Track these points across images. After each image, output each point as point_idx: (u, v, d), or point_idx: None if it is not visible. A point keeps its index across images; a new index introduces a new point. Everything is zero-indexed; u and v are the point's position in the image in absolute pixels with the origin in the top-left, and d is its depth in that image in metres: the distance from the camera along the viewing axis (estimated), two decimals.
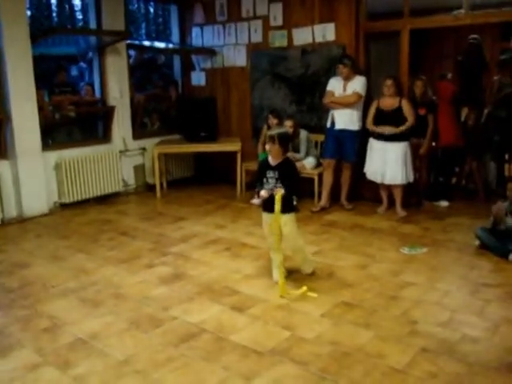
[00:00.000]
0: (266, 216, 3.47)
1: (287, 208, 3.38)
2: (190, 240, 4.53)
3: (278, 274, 3.52)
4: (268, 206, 3.41)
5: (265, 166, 3.43)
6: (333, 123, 5.25)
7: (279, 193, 3.23)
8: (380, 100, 5.06)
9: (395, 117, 4.95)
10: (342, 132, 5.19)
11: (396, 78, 5.00)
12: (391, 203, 5.25)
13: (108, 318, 3.09)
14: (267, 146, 3.37)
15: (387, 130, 4.96)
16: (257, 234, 4.57)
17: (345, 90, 5.16)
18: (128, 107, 6.22)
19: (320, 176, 5.50)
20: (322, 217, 5.16)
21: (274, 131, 3.39)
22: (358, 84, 5.09)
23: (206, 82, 6.80)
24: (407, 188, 5.17)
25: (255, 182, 3.54)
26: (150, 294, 3.42)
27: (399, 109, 4.95)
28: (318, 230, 4.75)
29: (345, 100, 5.12)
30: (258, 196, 3.44)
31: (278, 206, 3.23)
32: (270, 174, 3.37)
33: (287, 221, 3.40)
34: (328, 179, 5.38)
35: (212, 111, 6.37)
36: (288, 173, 3.36)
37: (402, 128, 4.90)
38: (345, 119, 5.16)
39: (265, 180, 3.39)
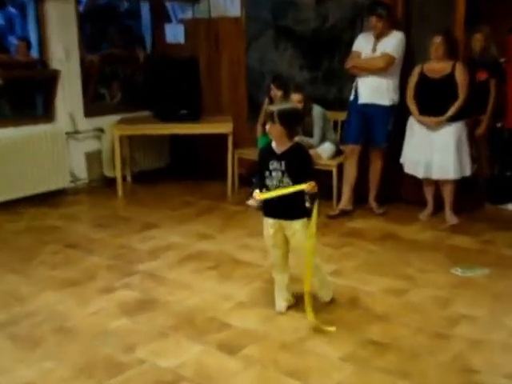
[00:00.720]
0: (268, 222, 3.47)
1: (298, 211, 3.38)
2: (164, 255, 4.53)
3: (283, 302, 3.54)
4: (272, 207, 3.42)
5: (267, 153, 3.43)
6: (356, 95, 5.25)
7: (303, 186, 3.22)
8: (425, 65, 5.06)
9: (446, 88, 4.95)
10: (367, 108, 5.20)
11: (448, 34, 4.98)
12: (438, 206, 5.25)
13: (49, 364, 3.07)
14: (267, 127, 3.38)
15: (429, 120, 4.95)
16: (254, 247, 4.57)
17: (375, 50, 5.17)
18: (77, 72, 6.21)
19: (340, 168, 5.50)
20: (342, 224, 5.16)
21: (275, 106, 3.40)
22: (390, 43, 5.10)
23: (185, 39, 6.80)
24: (461, 185, 5.17)
25: (253, 175, 3.53)
26: (107, 329, 3.40)
27: (451, 76, 4.94)
28: (336, 241, 4.75)
29: (371, 63, 5.14)
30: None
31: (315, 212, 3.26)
32: (273, 164, 3.37)
33: (298, 229, 3.40)
34: (351, 172, 5.39)
35: (194, 79, 6.36)
36: (299, 163, 3.35)
37: (450, 113, 4.90)
38: (371, 90, 5.17)
39: (267, 173, 3.39)
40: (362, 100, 5.21)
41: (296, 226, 3.40)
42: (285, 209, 3.37)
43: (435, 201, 5.25)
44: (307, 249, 3.35)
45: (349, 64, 5.27)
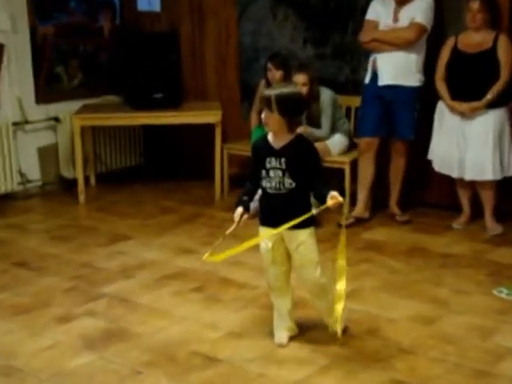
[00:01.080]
0: (265, 233, 3.44)
1: (302, 220, 3.33)
2: (136, 274, 4.52)
3: (284, 332, 3.52)
4: (270, 214, 3.40)
5: (262, 148, 3.41)
6: (375, 76, 5.24)
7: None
8: (460, 36, 5.04)
9: (484, 66, 4.93)
10: (391, 90, 5.20)
11: None
12: (476, 212, 5.24)
13: None
14: (262, 116, 3.37)
15: (463, 107, 4.94)
16: (248, 264, 4.56)
17: (396, 19, 5.16)
18: (27, 47, 6.19)
19: (354, 165, 5.50)
20: (357, 234, 5.17)
21: (272, 90, 3.38)
22: (418, 9, 5.09)
23: (161, 6, 6.81)
24: (504, 187, 5.16)
25: (248, 176, 3.50)
26: (66, 368, 3.37)
27: (492, 51, 4.92)
28: (351, 256, 4.67)
29: (397, 36, 5.12)
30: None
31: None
32: (271, 162, 3.35)
33: (303, 241, 3.38)
34: (367, 171, 5.40)
35: (173, 57, 6.36)
36: (303, 161, 3.33)
37: (489, 97, 4.88)
38: (395, 69, 5.17)
39: (264, 173, 3.37)
40: (384, 81, 5.20)
41: (301, 237, 3.36)
42: (287, 215, 3.31)
43: (472, 206, 5.25)
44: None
45: (366, 37, 5.24)
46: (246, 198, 3.44)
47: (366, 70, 5.43)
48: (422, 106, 5.26)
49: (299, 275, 3.50)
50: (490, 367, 3.28)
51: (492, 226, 5.11)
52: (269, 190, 3.37)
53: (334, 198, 3.22)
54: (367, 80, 5.34)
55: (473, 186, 5.18)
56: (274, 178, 3.34)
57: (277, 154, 3.35)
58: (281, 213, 3.35)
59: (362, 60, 5.59)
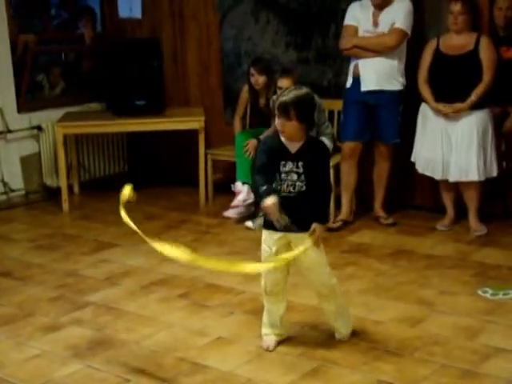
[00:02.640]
0: (272, 237, 3.38)
1: (314, 220, 3.31)
2: (121, 281, 4.52)
3: (273, 337, 3.52)
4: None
5: (277, 151, 3.30)
6: (356, 81, 5.26)
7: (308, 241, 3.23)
8: (441, 39, 5.08)
9: (467, 67, 4.96)
10: (374, 95, 5.22)
11: (470, 0, 4.99)
12: (460, 214, 5.28)
13: None
14: (277, 124, 3.27)
15: (447, 108, 4.98)
16: None
17: (376, 23, 5.18)
18: (7, 56, 6.18)
19: (337, 169, 5.52)
20: (342, 238, 5.18)
21: (286, 96, 3.24)
22: (398, 13, 5.11)
23: (142, 13, 6.81)
24: (487, 188, 5.20)
25: (257, 170, 3.34)
26: (52, 378, 3.35)
27: (474, 53, 4.95)
28: (337, 259, 4.74)
29: (379, 43, 5.14)
30: (258, 207, 3.38)
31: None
32: (287, 165, 3.28)
33: (314, 245, 3.33)
34: (351, 176, 5.42)
35: (155, 64, 6.36)
36: (320, 164, 3.31)
37: (473, 98, 4.92)
38: (378, 74, 5.19)
39: (277, 177, 3.29)
40: (367, 87, 5.21)
41: (310, 240, 3.31)
42: (297, 218, 3.27)
43: (456, 207, 5.28)
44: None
45: (347, 43, 5.24)
46: (264, 187, 3.20)
47: (347, 74, 5.45)
48: (404, 109, 5.28)
49: (308, 278, 3.48)
50: (477, 367, 3.29)
51: (476, 227, 5.13)
52: (279, 193, 3.27)
53: (316, 230, 3.26)
54: (348, 85, 5.35)
55: (456, 188, 5.21)
56: (287, 180, 3.28)
57: (293, 157, 3.28)
58: (291, 216, 3.26)
59: (345, 64, 5.59)
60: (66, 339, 3.74)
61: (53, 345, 3.68)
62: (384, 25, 5.14)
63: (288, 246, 3.37)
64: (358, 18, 5.22)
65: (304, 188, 3.28)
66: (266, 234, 3.40)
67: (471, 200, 5.15)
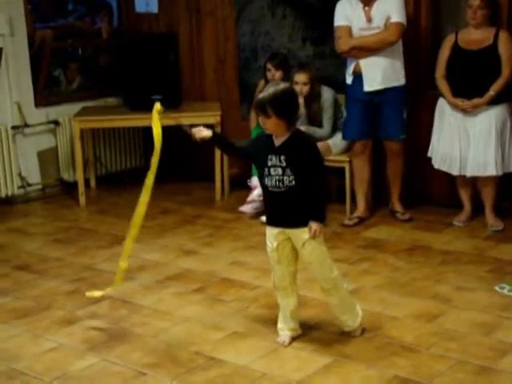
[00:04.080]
0: (272, 233, 3.45)
1: (306, 215, 3.34)
2: (137, 276, 4.53)
3: (287, 332, 3.53)
4: (275, 213, 3.40)
5: (263, 145, 3.39)
6: (357, 78, 5.20)
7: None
8: (460, 33, 5.04)
9: (486, 62, 4.92)
10: (378, 94, 5.17)
11: None
12: (477, 209, 5.26)
13: None
14: (260, 121, 3.38)
15: (466, 104, 4.93)
16: (249, 264, 4.58)
17: (369, 19, 5.10)
18: (25, 51, 6.20)
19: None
20: (358, 234, 5.18)
21: (263, 94, 3.31)
22: (391, 6, 5.01)
23: (159, 7, 6.81)
24: (504, 184, 5.18)
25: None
26: (69, 371, 3.38)
27: (493, 48, 4.92)
28: (352, 255, 4.75)
29: (378, 41, 5.05)
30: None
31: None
32: (272, 160, 3.35)
33: (308, 238, 3.37)
34: (363, 171, 5.41)
35: (171, 58, 6.37)
36: (303, 157, 3.32)
37: (492, 93, 4.89)
38: (383, 73, 5.12)
39: (266, 171, 3.36)
40: (372, 87, 5.14)
41: (306, 235, 3.35)
42: (288, 213, 3.35)
43: (473, 203, 5.25)
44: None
45: (344, 45, 5.13)
46: (218, 132, 3.48)
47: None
48: (411, 105, 5.26)
49: (310, 272, 3.51)
50: (493, 363, 3.29)
51: (493, 222, 5.11)
52: (270, 189, 3.37)
53: (314, 225, 3.32)
54: (349, 81, 5.28)
55: (473, 183, 5.19)
56: (274, 175, 3.34)
57: (277, 151, 3.34)
58: (282, 211, 3.36)
59: None
60: (82, 333, 3.76)
61: (69, 338, 3.70)
62: (378, 19, 5.05)
63: (288, 241, 3.42)
64: (350, 16, 5.11)
65: (293, 183, 3.30)
66: (267, 230, 3.48)
67: (488, 195, 5.12)
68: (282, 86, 3.36)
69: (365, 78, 5.15)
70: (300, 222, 3.34)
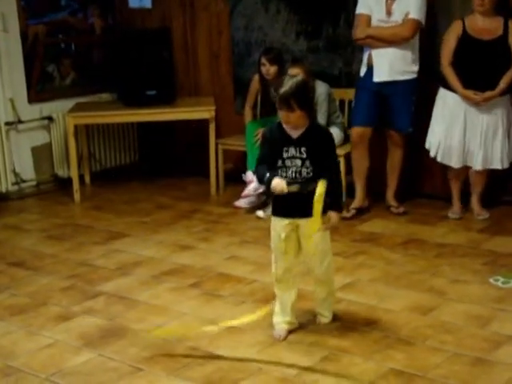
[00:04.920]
0: (281, 224, 3.41)
1: (329, 208, 3.35)
2: (133, 271, 4.53)
3: (284, 325, 3.54)
4: (288, 203, 3.34)
5: (278, 137, 3.34)
6: (370, 70, 5.24)
7: (321, 186, 3.17)
8: (467, 20, 4.95)
9: (498, 53, 4.86)
10: (387, 86, 5.18)
11: None
12: (467, 201, 5.29)
13: None
14: (281, 116, 3.29)
15: (478, 97, 4.88)
16: (245, 259, 4.59)
17: (389, 13, 5.14)
18: (18, 46, 6.19)
19: (348, 158, 5.51)
20: (354, 227, 5.19)
21: (285, 88, 3.24)
22: (412, 2, 5.04)
23: (152, 3, 6.80)
24: (497, 175, 5.21)
25: (258, 160, 3.43)
26: (65, 367, 3.38)
27: (504, 39, 4.86)
28: (348, 248, 4.76)
29: (393, 34, 5.09)
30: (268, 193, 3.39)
31: (318, 206, 3.18)
32: (290, 151, 3.31)
33: (321, 231, 3.36)
34: (361, 162, 5.40)
35: (165, 54, 6.36)
36: (323, 148, 3.33)
37: (502, 85, 4.86)
38: (393, 65, 5.14)
39: (279, 163, 3.33)
40: (380, 78, 5.16)
41: (309, 224, 3.33)
42: (304, 203, 3.28)
43: (461, 194, 5.27)
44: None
45: (360, 33, 5.18)
46: (268, 173, 3.31)
47: (359, 62, 5.41)
48: (417, 97, 5.26)
49: (310, 263, 3.50)
50: (488, 355, 3.30)
51: (480, 211, 5.17)
52: (284, 180, 3.30)
53: (333, 218, 3.35)
54: (362, 73, 5.31)
55: (465, 175, 5.20)
56: (291, 167, 3.31)
57: (295, 143, 3.31)
58: (299, 203, 3.30)
59: (356, 53, 5.58)
60: (78, 329, 3.76)
61: (65, 334, 3.70)
62: (398, 14, 5.08)
63: (295, 232, 3.40)
64: (371, 6, 5.16)
65: (311, 175, 3.29)
66: (275, 220, 3.44)
67: (478, 185, 5.17)
68: (300, 78, 3.37)
69: (375, 69, 5.18)
70: (309, 213, 3.28)
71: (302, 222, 3.35)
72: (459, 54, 4.97)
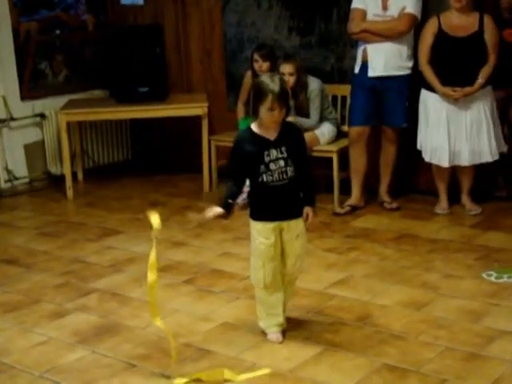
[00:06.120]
0: (268, 228, 3.35)
1: (302, 205, 3.38)
2: (126, 268, 4.53)
3: (278, 328, 3.48)
4: (273, 206, 3.33)
5: (255, 144, 3.30)
6: (364, 66, 5.24)
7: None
8: (443, 17, 4.98)
9: (474, 49, 4.89)
10: (382, 81, 5.18)
11: None
12: (457, 196, 5.30)
13: None
14: (276, 115, 3.22)
15: (456, 93, 4.91)
16: (238, 255, 4.59)
17: (385, 7, 5.13)
18: (10, 44, 6.19)
19: (342, 155, 5.51)
20: (346, 223, 5.20)
21: (278, 85, 3.21)
22: None
23: None
24: (487, 171, 5.22)
25: (230, 175, 3.42)
26: (59, 364, 3.38)
27: (479, 34, 4.89)
28: (341, 244, 4.77)
29: (389, 28, 5.10)
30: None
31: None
32: (271, 154, 3.28)
33: (302, 229, 3.40)
34: (360, 160, 5.41)
35: (157, 50, 6.35)
36: (300, 145, 3.37)
37: (481, 80, 4.89)
38: (387, 60, 5.15)
39: (263, 168, 3.27)
40: (376, 72, 5.17)
41: (301, 225, 3.39)
42: (291, 205, 3.33)
43: (449, 190, 5.28)
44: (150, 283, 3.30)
45: (356, 27, 5.17)
46: (230, 200, 3.35)
47: (351, 58, 5.43)
48: (410, 93, 5.26)
49: (291, 264, 3.44)
50: (481, 350, 3.31)
51: (471, 206, 5.20)
52: (271, 184, 3.29)
53: (308, 215, 3.37)
54: (357, 70, 5.31)
55: (452, 172, 5.21)
56: (276, 169, 3.29)
57: (275, 144, 3.29)
58: (285, 204, 3.33)
59: (348, 48, 5.59)
60: (71, 325, 3.76)
61: (59, 331, 3.70)
62: (394, 9, 5.08)
63: (279, 236, 3.36)
64: (367, 1, 5.16)
65: (294, 173, 3.31)
66: (260, 225, 3.37)
67: (467, 180, 5.20)
68: (278, 75, 3.43)
69: (370, 64, 5.18)
70: (297, 213, 3.36)
71: (286, 225, 3.35)
72: (436, 51, 5.01)
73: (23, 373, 3.30)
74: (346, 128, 5.61)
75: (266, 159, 3.28)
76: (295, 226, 3.37)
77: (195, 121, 6.13)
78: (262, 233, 3.37)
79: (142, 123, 6.80)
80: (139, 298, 4.05)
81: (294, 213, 3.36)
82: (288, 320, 3.57)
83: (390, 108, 5.26)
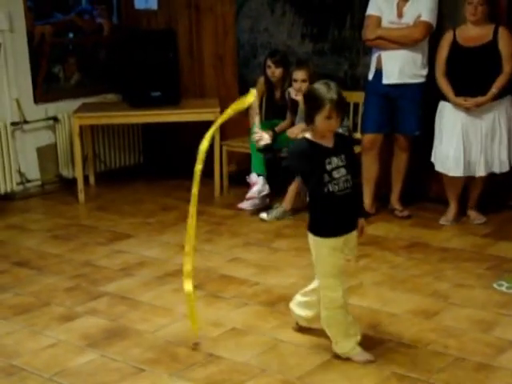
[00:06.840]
0: (339, 242, 3.24)
1: (361, 215, 3.40)
2: (137, 272, 4.54)
3: (360, 350, 3.34)
4: (343, 220, 3.25)
5: (316, 152, 3.20)
6: (378, 73, 5.24)
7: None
8: (458, 30, 5.01)
9: (486, 60, 4.90)
10: (396, 88, 5.18)
11: None
12: (464, 207, 5.30)
13: None
14: (333, 123, 3.16)
15: (468, 103, 4.90)
16: (248, 261, 4.60)
17: (401, 15, 5.13)
18: (24, 47, 6.19)
19: None
20: None
21: (336, 93, 3.19)
22: (424, 5, 5.04)
23: (158, 4, 6.81)
24: (498, 178, 5.20)
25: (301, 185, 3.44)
26: (68, 367, 3.39)
27: (493, 45, 4.90)
28: None
29: (404, 35, 5.08)
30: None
31: None
32: (333, 162, 3.19)
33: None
34: (372, 168, 5.40)
35: (171, 55, 6.37)
36: (352, 150, 3.40)
37: (494, 91, 4.87)
38: (402, 68, 5.14)
39: (326, 177, 3.16)
40: (389, 80, 5.16)
41: (356, 237, 3.36)
42: (353, 214, 3.28)
43: (460, 201, 5.26)
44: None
45: (370, 34, 5.17)
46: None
47: (364, 65, 5.43)
48: (424, 102, 5.26)
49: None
50: (491, 360, 3.30)
51: (476, 216, 5.20)
52: (338, 193, 3.18)
53: (363, 228, 3.34)
54: (370, 77, 5.31)
55: (464, 182, 5.18)
56: (340, 177, 3.19)
57: (335, 152, 3.22)
58: (350, 214, 3.28)
59: (361, 55, 5.59)
60: (81, 329, 3.77)
61: (68, 334, 3.71)
62: (409, 16, 5.08)
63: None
64: (382, 8, 5.16)
65: (352, 182, 3.24)
66: (333, 242, 3.23)
67: (477, 190, 5.18)
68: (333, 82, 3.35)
69: (384, 71, 5.18)
70: (355, 224, 3.30)
71: (350, 236, 3.30)
72: (450, 62, 5.02)
73: (33, 375, 3.31)
74: (358, 135, 5.60)
75: (328, 167, 3.17)
76: (352, 239, 3.31)
77: (207, 126, 6.10)
78: (336, 248, 3.24)
79: (154, 127, 6.81)
80: (149, 302, 4.06)
81: (354, 224, 3.28)
82: (297, 327, 3.58)
83: (402, 116, 5.25)
